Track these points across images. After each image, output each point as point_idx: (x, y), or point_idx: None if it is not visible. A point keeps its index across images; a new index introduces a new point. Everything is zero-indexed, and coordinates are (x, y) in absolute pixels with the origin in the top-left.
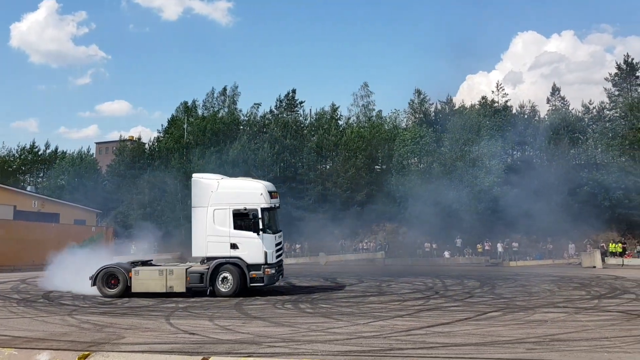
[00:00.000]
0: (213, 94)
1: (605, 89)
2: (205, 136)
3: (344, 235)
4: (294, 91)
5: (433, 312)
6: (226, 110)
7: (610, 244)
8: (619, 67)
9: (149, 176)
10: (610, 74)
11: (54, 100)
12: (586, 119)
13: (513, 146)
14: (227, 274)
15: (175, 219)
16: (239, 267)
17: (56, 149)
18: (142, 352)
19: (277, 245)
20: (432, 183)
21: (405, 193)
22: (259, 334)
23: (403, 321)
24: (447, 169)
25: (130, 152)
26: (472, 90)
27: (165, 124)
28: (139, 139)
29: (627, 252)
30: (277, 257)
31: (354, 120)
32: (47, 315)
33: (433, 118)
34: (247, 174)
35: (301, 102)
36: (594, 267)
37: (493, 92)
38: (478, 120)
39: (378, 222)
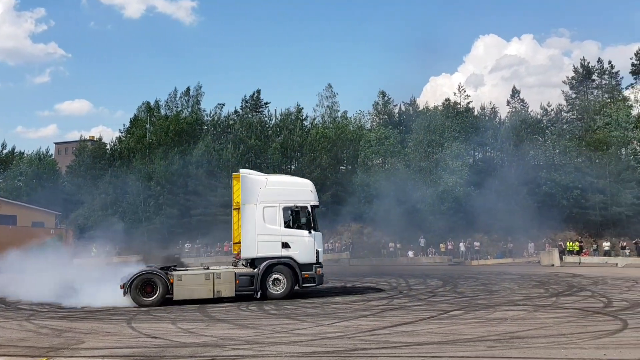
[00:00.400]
0: (176, 93)
1: (563, 91)
2: (168, 136)
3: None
4: (258, 92)
5: (397, 311)
6: (189, 110)
7: (568, 243)
8: (576, 71)
9: (110, 177)
10: (567, 77)
11: (10, 99)
12: (545, 121)
13: (475, 147)
14: (278, 275)
15: (137, 220)
16: (290, 267)
17: (13, 149)
18: (103, 357)
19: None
20: (397, 183)
21: (370, 193)
22: (222, 337)
23: (367, 321)
24: (412, 170)
25: (91, 153)
26: (436, 92)
27: (127, 124)
28: (100, 139)
29: (583, 251)
30: None
31: (319, 121)
32: (4, 320)
33: (397, 119)
34: (210, 174)
35: (266, 103)
36: (553, 265)
37: (455, 93)
38: (442, 122)
39: (343, 222)
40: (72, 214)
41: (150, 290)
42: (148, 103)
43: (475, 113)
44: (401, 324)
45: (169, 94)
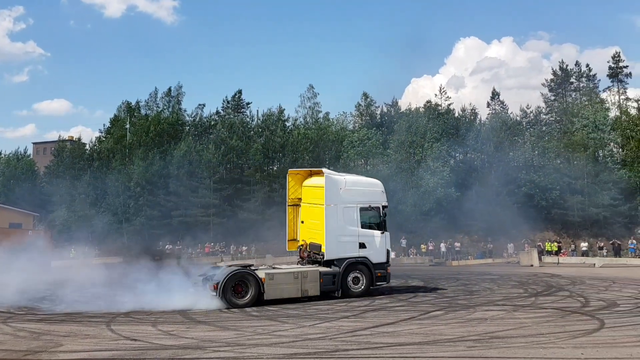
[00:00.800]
0: (157, 93)
1: (542, 94)
2: (148, 137)
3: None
4: (240, 92)
5: (378, 312)
6: (170, 110)
7: (547, 243)
8: (554, 73)
9: (89, 178)
10: (546, 80)
11: None
12: (524, 123)
13: (455, 149)
14: (358, 274)
15: (117, 221)
16: (367, 266)
17: None
18: None
19: None
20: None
21: None
22: (203, 339)
23: (349, 322)
24: (394, 171)
25: (70, 153)
26: (417, 93)
27: (107, 124)
28: (79, 139)
29: (562, 251)
30: None
31: (301, 122)
32: None
33: (379, 120)
34: (192, 175)
35: (248, 103)
36: (532, 265)
37: (436, 95)
38: (424, 124)
39: None
40: (50, 215)
41: (241, 290)
42: (128, 103)
43: (456, 115)
44: (382, 325)
45: (150, 94)
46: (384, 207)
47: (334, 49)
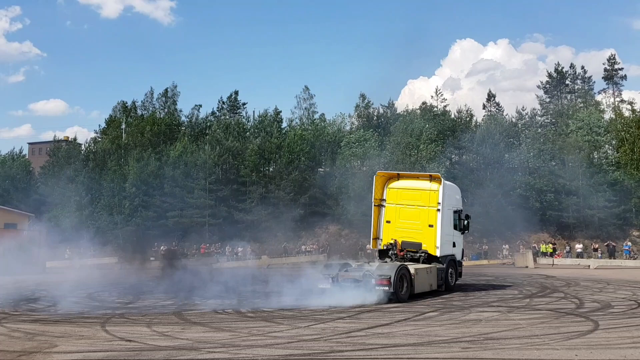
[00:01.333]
0: (152, 94)
1: (537, 96)
2: (144, 137)
3: (286, 237)
4: (236, 93)
5: (373, 313)
6: (166, 111)
7: (542, 245)
8: (550, 76)
9: (84, 178)
10: (542, 82)
11: None
12: (519, 125)
13: (451, 150)
14: (452, 270)
15: (112, 222)
16: (455, 263)
17: None
18: None
19: None
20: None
21: (348, 195)
22: (198, 340)
23: (344, 323)
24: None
25: (65, 153)
26: (414, 94)
27: (103, 125)
28: (74, 139)
29: (557, 252)
30: None
31: (297, 123)
32: None
33: (376, 121)
34: (187, 175)
35: (244, 104)
36: (527, 267)
37: (432, 97)
38: (420, 125)
39: (321, 224)
40: (45, 215)
41: (401, 285)
42: (124, 103)
43: (452, 116)
44: (377, 326)
45: (145, 94)
46: (461, 210)
47: (330, 50)
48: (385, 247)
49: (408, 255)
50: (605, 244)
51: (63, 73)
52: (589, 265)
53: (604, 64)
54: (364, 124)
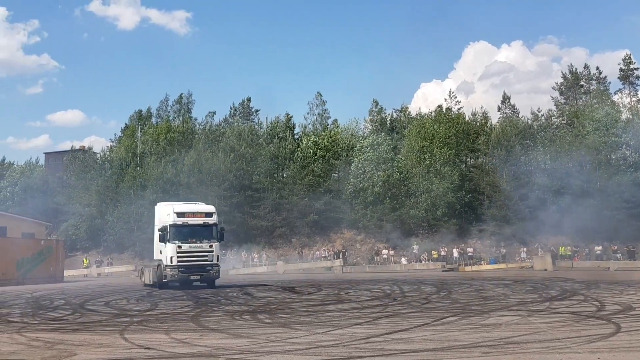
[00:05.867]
0: (167, 102)
1: (552, 97)
2: (159, 145)
3: (301, 243)
4: (249, 99)
5: (391, 318)
6: (181, 119)
7: (561, 247)
8: (564, 77)
9: (100, 187)
10: (556, 84)
11: (1, 110)
12: (535, 126)
13: (466, 153)
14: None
15: (128, 230)
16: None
17: (3, 159)
18: None
19: None
20: (390, 190)
21: (363, 200)
22: (216, 347)
23: (362, 329)
24: (404, 176)
25: (81, 163)
26: (427, 98)
27: (119, 133)
28: (90, 148)
29: (576, 255)
30: None
31: (310, 129)
32: None
33: (389, 126)
34: (201, 183)
35: (256, 110)
36: (545, 270)
37: (446, 99)
38: (433, 128)
39: (336, 229)
40: (62, 224)
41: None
42: (140, 112)
43: (467, 119)
44: (396, 331)
45: (160, 102)
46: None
47: (342, 55)
48: None
49: None
50: (626, 247)
51: (80, 84)
52: (609, 268)
53: (619, 64)
54: (377, 128)
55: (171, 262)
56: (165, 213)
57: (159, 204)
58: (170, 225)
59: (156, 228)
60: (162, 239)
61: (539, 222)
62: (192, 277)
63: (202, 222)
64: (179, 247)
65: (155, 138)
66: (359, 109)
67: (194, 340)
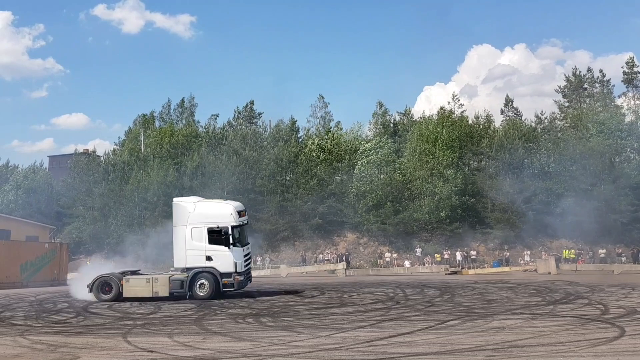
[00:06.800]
0: (170, 105)
1: (556, 100)
2: (163, 148)
3: (305, 246)
4: (252, 102)
5: (394, 322)
6: (184, 122)
7: (564, 251)
8: (568, 80)
9: (103, 190)
10: (560, 87)
11: (6, 113)
12: (539, 129)
13: (470, 156)
14: (203, 281)
15: (132, 232)
16: (215, 274)
17: (7, 162)
18: None
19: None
20: (393, 193)
21: (366, 203)
22: (219, 350)
23: (365, 332)
24: (407, 179)
25: (85, 166)
26: (430, 101)
27: (123, 137)
28: (94, 151)
29: (580, 258)
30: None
31: (313, 132)
32: None
33: (392, 128)
34: (204, 186)
35: (260, 113)
36: (549, 273)
37: (449, 102)
38: (436, 131)
39: (339, 233)
40: (66, 227)
41: (103, 291)
42: (144, 115)
43: (470, 122)
44: (399, 335)
45: (163, 106)
46: (227, 227)
47: (346, 58)
48: None
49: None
50: (631, 250)
51: (85, 88)
52: (613, 271)
53: (622, 67)
54: (380, 131)
55: (236, 268)
56: (218, 212)
57: (183, 199)
58: (232, 226)
59: (186, 228)
60: (217, 242)
61: (542, 225)
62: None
63: (247, 222)
64: (243, 250)
65: (159, 141)
66: (363, 112)
67: (197, 344)
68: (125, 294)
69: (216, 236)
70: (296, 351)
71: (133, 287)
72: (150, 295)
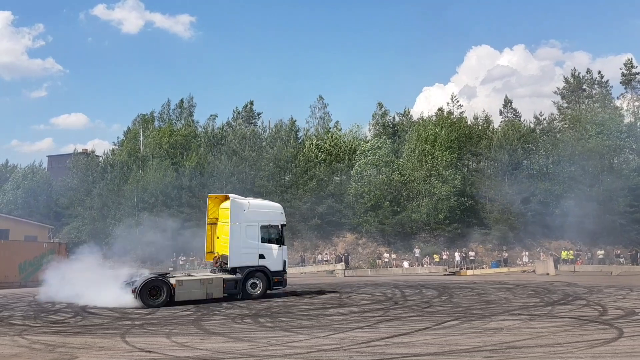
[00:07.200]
0: (169, 105)
1: (554, 102)
2: (161, 148)
3: (304, 247)
4: (251, 103)
5: (393, 322)
6: (183, 122)
7: (563, 252)
8: (566, 81)
9: (102, 190)
10: (558, 88)
11: (6, 113)
12: (537, 130)
13: (468, 157)
14: (256, 280)
15: (131, 233)
16: (265, 273)
17: (7, 162)
18: None
19: None
20: (391, 194)
21: (364, 204)
22: (217, 350)
23: (363, 333)
24: (405, 179)
25: (84, 166)
26: (429, 102)
27: (121, 137)
28: (93, 151)
29: (578, 259)
30: None
31: (312, 132)
32: None
33: (391, 129)
34: (203, 186)
35: (259, 114)
36: (548, 274)
37: (448, 103)
38: (434, 132)
39: (338, 233)
40: (65, 227)
41: (153, 294)
42: (143, 115)
43: (469, 123)
44: (397, 335)
45: (162, 106)
46: (279, 225)
47: (345, 59)
48: (215, 260)
49: (223, 267)
50: (629, 251)
51: (84, 88)
52: (612, 272)
53: (621, 68)
54: (379, 132)
55: (284, 267)
56: (270, 210)
57: (236, 196)
58: (281, 225)
59: (241, 226)
60: (269, 240)
61: (541, 226)
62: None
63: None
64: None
65: (158, 141)
66: (363, 112)
67: (195, 344)
68: (178, 298)
69: (269, 234)
70: (294, 352)
71: (187, 290)
72: (205, 298)
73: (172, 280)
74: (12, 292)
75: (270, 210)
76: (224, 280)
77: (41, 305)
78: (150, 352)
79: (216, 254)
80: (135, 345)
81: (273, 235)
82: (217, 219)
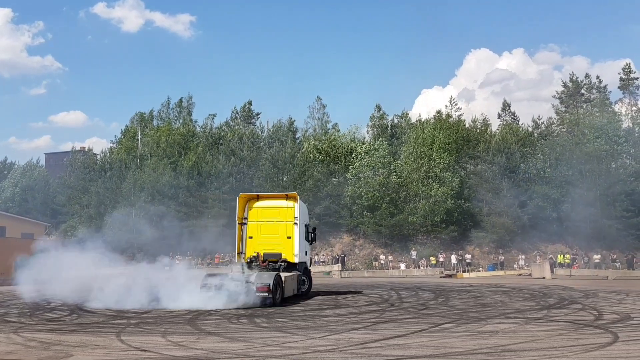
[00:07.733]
0: (169, 104)
1: (553, 105)
2: (160, 147)
3: None
4: (250, 103)
5: (388, 324)
6: (181, 121)
7: (559, 256)
8: (565, 85)
9: (99, 188)
10: (557, 92)
11: (4, 110)
12: (535, 134)
13: (466, 160)
14: (305, 277)
15: (127, 231)
16: (308, 270)
17: (5, 159)
18: None
19: None
20: (389, 195)
21: (361, 205)
22: (212, 350)
23: (359, 334)
24: (403, 181)
25: (81, 164)
26: (428, 104)
27: (119, 135)
28: (91, 149)
29: (574, 263)
30: None
31: (311, 133)
32: None
33: (390, 131)
34: (201, 185)
35: (257, 114)
36: (544, 278)
37: (447, 106)
38: (432, 134)
39: (335, 234)
40: (62, 225)
41: (275, 291)
42: (142, 114)
43: (467, 126)
44: (393, 337)
45: (161, 105)
46: (309, 224)
47: (345, 60)
48: (249, 260)
49: (270, 265)
50: (625, 256)
51: (83, 86)
52: (608, 277)
53: (619, 73)
54: (377, 134)
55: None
56: (305, 210)
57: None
58: (309, 225)
59: (300, 225)
60: (307, 239)
61: (537, 230)
62: None
63: None
64: None
65: (156, 140)
66: (361, 114)
67: (190, 343)
68: (286, 294)
69: (308, 233)
70: (290, 352)
71: (289, 286)
72: (292, 294)
73: (282, 277)
74: (8, 290)
75: (306, 210)
76: (298, 277)
77: (37, 303)
78: (145, 350)
79: (255, 253)
80: (130, 344)
81: (308, 234)
82: (246, 218)
